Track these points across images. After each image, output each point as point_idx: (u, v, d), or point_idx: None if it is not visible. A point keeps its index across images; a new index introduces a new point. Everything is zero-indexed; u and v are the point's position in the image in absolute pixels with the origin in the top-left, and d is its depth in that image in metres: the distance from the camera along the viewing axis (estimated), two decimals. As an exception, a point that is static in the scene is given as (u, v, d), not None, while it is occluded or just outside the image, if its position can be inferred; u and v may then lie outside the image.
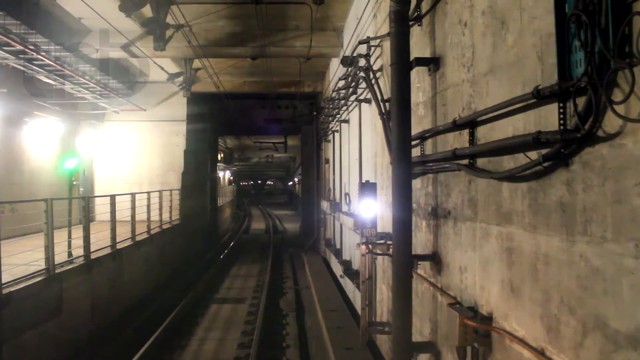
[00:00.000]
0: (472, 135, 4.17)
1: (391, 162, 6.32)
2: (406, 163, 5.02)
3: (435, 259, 5.11)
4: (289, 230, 32.97)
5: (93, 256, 9.77)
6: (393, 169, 5.10)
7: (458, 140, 4.51)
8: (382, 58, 7.65)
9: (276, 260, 19.81)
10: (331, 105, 14.50)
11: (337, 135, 14.94)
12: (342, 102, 12.14)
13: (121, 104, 16.46)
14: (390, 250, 6.42)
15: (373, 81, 7.35)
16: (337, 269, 14.15)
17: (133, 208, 12.45)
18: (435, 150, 5.15)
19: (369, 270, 7.26)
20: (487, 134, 3.92)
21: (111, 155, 18.31)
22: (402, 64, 5.09)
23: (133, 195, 12.60)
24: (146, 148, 18.41)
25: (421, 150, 5.57)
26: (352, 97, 10.76)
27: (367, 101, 9.31)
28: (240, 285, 15.17)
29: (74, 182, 16.99)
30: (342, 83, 11.27)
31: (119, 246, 11.22)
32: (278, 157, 45.86)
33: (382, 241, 6.63)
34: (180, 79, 17.19)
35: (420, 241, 5.64)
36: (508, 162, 3.53)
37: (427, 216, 5.45)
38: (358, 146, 10.68)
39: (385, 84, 7.23)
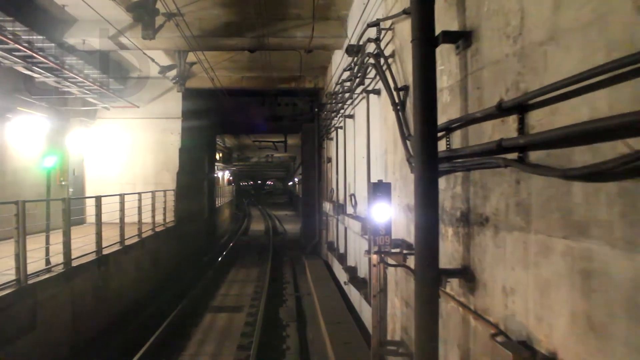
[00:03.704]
0: (521, 122, 3.29)
1: (409, 159, 5.46)
2: (432, 159, 4.13)
3: (467, 274, 4.23)
4: (289, 231, 32.09)
5: (75, 263, 8.90)
6: (415, 167, 4.22)
7: (499, 130, 3.63)
8: (394, 42, 6.76)
9: (276, 264, 18.94)
10: (334, 100, 13.61)
11: (340, 132, 14.04)
12: (347, 95, 11.23)
13: (113, 100, 15.60)
14: (407, 261, 5.56)
15: (385, 67, 6.49)
16: (342, 276, 13.27)
17: (122, 210, 11.60)
18: (467, 144, 4.27)
19: (380, 282, 6.39)
20: (545, 119, 3.04)
21: (103, 154, 17.46)
22: (426, 40, 4.20)
23: (122, 196, 11.74)
24: (140, 146, 17.55)
25: (447, 144, 4.69)
26: (359, 89, 9.86)
27: (377, 92, 8.44)
28: (237, 292, 14.27)
29: (63, 183, 16.15)
30: (346, 74, 10.41)
31: (106, 251, 10.38)
32: (278, 156, 45.01)
33: (397, 250, 5.75)
34: (174, 72, 16.29)
35: (446, 252, 4.75)
36: (581, 155, 2.66)
37: (455, 222, 4.57)
38: (366, 143, 9.80)
39: (398, 72, 6.37)
